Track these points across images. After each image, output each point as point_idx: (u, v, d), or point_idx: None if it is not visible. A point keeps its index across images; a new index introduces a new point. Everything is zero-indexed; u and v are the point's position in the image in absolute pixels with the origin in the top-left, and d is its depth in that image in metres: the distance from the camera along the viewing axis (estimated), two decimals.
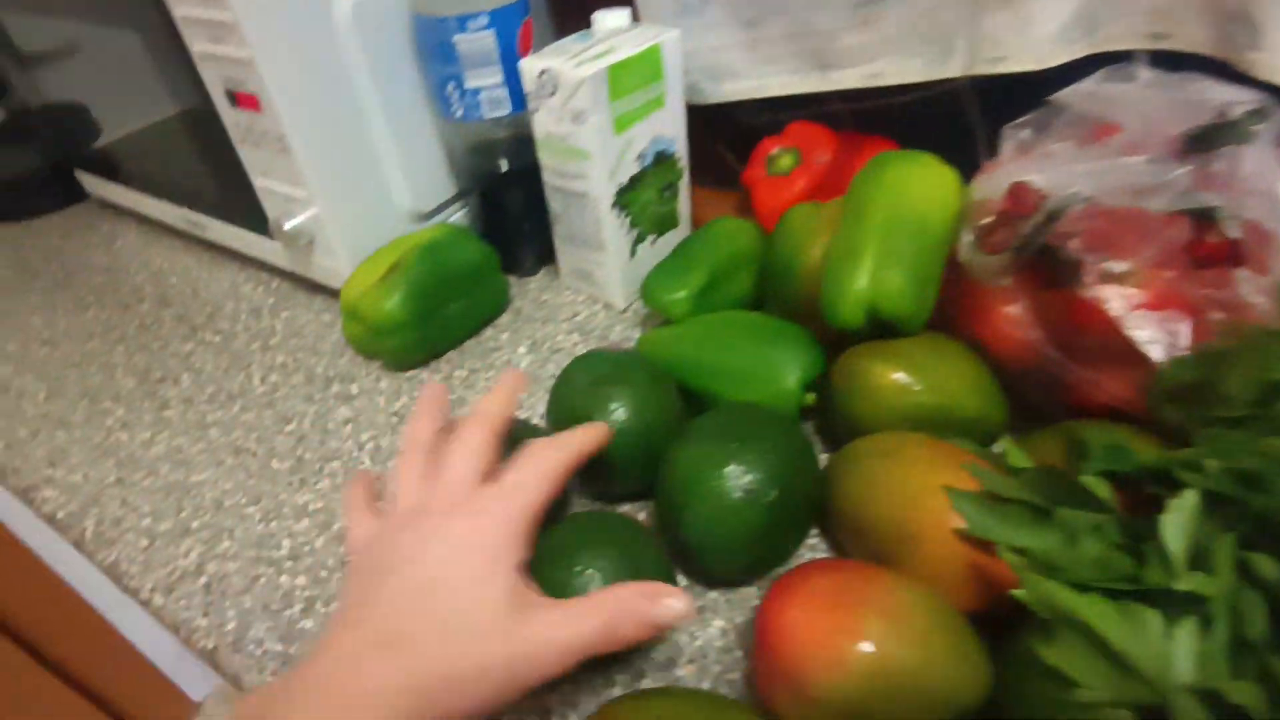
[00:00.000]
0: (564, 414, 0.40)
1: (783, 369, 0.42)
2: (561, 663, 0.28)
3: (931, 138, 0.47)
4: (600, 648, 0.28)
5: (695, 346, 0.45)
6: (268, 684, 0.27)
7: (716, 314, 0.47)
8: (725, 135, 0.63)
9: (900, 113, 0.54)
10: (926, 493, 0.34)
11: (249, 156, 0.54)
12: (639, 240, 0.55)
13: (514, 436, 0.36)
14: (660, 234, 0.57)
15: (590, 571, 0.32)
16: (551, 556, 0.33)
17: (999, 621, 0.31)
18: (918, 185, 0.40)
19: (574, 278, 0.59)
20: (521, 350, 0.54)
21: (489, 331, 0.57)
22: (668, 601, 0.29)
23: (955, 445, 0.36)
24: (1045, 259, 0.36)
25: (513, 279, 0.60)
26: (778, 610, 0.31)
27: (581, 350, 0.54)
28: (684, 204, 0.59)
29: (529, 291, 0.60)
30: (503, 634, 0.27)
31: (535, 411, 0.49)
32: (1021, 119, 0.41)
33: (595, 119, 0.47)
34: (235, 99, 0.50)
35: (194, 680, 1.27)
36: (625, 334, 0.55)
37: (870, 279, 0.39)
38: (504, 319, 0.58)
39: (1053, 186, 0.35)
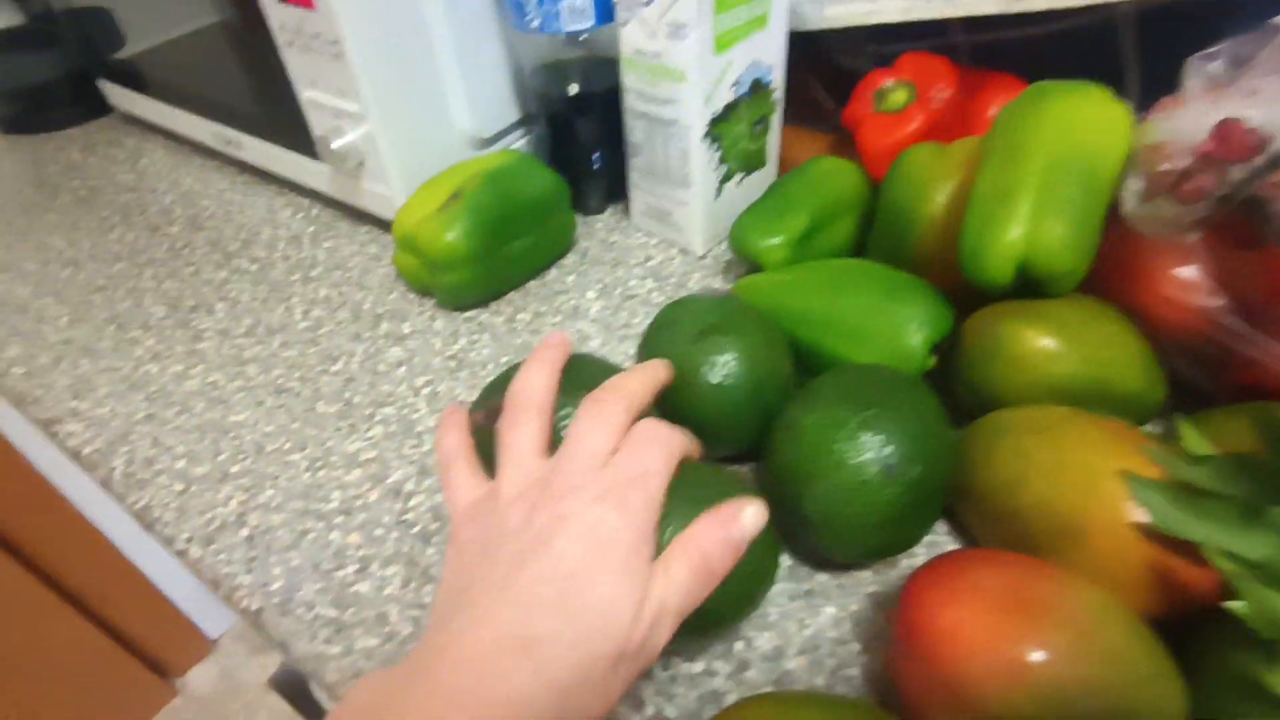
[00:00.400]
0: None
1: (906, 325, 0.37)
2: (675, 628, 0.25)
3: (1067, 74, 0.41)
4: (703, 594, 0.26)
5: (803, 294, 0.40)
6: (385, 671, 0.25)
7: (825, 260, 0.42)
8: (817, 68, 0.57)
9: (1031, 46, 0.47)
10: (1098, 478, 0.29)
11: (296, 63, 0.48)
12: (726, 179, 0.50)
13: (589, 374, 0.32)
14: (747, 173, 0.52)
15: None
16: None
17: (1172, 628, 0.27)
18: (1087, 122, 0.34)
19: (647, 218, 0.53)
20: (590, 295, 0.49)
21: (553, 272, 0.52)
22: (744, 520, 0.27)
23: (1125, 424, 0.31)
24: (1250, 212, 0.31)
25: (577, 217, 0.55)
26: (935, 607, 0.26)
27: (658, 299, 0.48)
28: (773, 141, 0.53)
29: (595, 231, 0.55)
30: (634, 624, 0.24)
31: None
32: (1211, 49, 0.35)
33: (697, 34, 0.41)
34: None
35: (211, 617, 1.26)
36: (705, 283, 0.50)
37: (1027, 229, 0.33)
38: (569, 260, 0.52)
39: (1275, 127, 0.29)
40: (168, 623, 1.18)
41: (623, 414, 0.29)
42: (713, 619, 0.28)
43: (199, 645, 1.25)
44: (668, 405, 0.35)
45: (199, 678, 1.24)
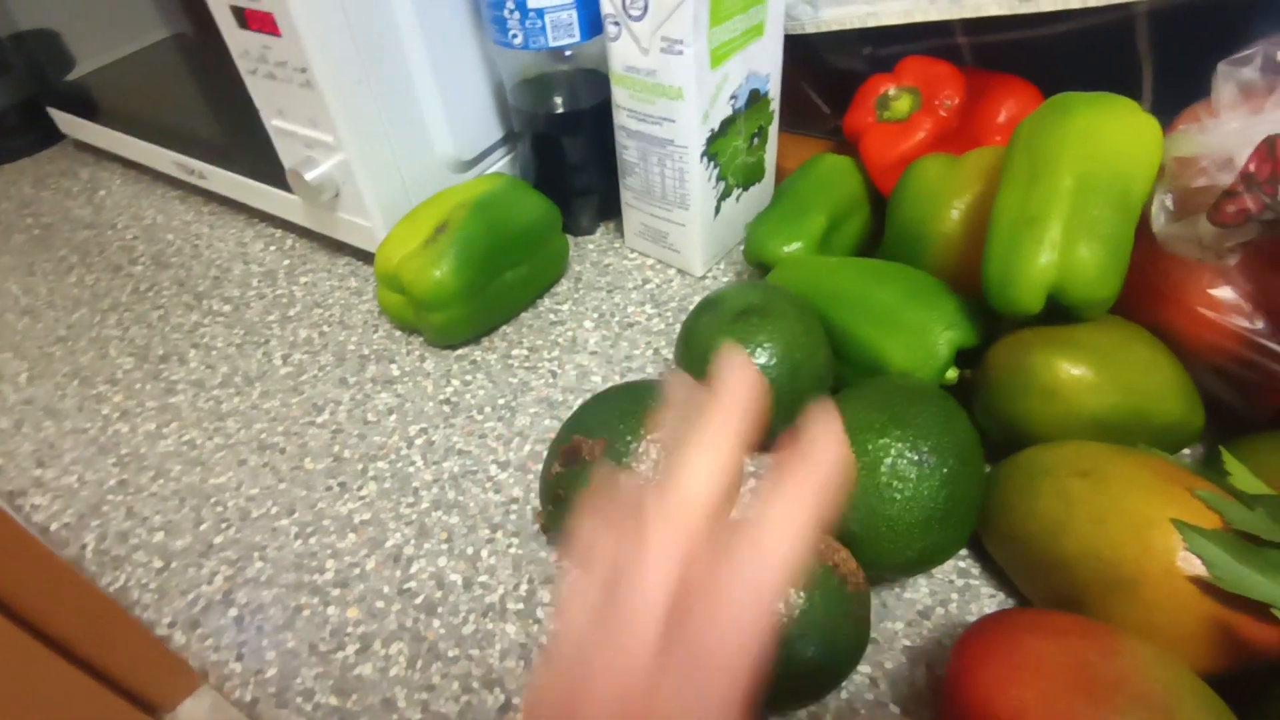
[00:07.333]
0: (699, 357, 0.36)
1: (934, 325, 0.36)
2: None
3: (1075, 76, 0.39)
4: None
5: (841, 276, 0.40)
6: None
7: (860, 258, 0.42)
8: (810, 74, 0.55)
9: (1037, 47, 0.45)
10: (1148, 526, 0.27)
11: (261, 92, 0.45)
12: (724, 195, 0.47)
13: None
14: (746, 188, 0.49)
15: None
16: None
17: (1230, 683, 0.25)
18: (1115, 137, 0.32)
19: (642, 239, 0.50)
20: (588, 325, 0.47)
21: (547, 302, 0.49)
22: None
23: (1172, 463, 0.29)
24: None
25: (568, 239, 0.52)
26: (993, 686, 0.24)
27: (659, 327, 0.46)
28: (771, 152, 0.50)
29: (587, 253, 0.52)
30: None
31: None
32: (1242, 53, 0.33)
33: (693, 50, 0.38)
34: (245, 19, 0.41)
35: None
36: None
37: (1059, 255, 0.31)
38: (562, 287, 0.50)
39: None
40: (155, 658, 1.14)
41: None
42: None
43: (188, 679, 1.22)
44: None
45: (190, 712, 1.21)
